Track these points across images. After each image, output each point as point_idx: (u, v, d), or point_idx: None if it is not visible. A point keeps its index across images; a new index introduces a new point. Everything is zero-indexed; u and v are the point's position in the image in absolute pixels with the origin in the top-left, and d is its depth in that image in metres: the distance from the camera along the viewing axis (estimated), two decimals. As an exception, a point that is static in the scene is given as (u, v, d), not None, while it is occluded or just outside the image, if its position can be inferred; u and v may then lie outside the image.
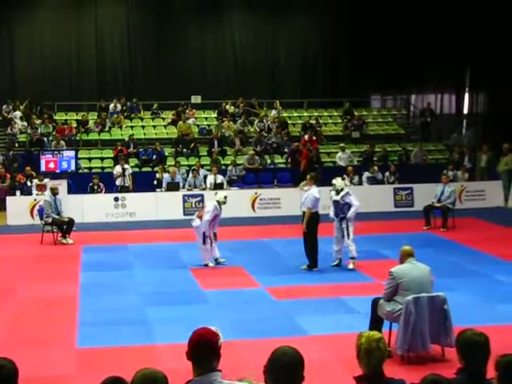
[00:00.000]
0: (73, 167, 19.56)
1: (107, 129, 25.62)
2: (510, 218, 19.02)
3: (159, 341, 9.18)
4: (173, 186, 20.40)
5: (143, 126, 26.44)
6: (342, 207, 13.19)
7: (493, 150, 23.14)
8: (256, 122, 25.80)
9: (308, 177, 13.59)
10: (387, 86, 30.21)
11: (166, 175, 20.96)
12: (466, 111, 31.69)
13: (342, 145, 24.18)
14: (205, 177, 21.05)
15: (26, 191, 20.29)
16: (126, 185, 20.84)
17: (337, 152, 24.08)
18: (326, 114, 28.17)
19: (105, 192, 20.37)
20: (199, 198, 19.42)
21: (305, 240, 13.27)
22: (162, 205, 19.61)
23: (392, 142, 26.06)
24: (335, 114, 28.15)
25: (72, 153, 19.95)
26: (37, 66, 27.80)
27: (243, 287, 12.10)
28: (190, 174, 21.17)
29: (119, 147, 23.23)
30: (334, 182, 13.42)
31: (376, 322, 8.53)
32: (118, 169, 21.20)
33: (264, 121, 25.81)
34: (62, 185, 18.18)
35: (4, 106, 25.95)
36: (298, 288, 11.92)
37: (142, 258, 14.59)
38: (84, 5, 28.49)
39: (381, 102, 31.61)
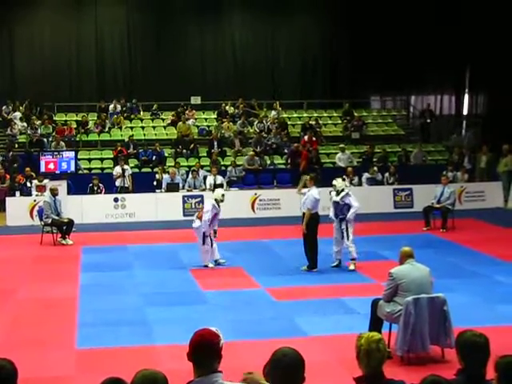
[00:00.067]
0: (72, 168, 19.55)
1: (107, 129, 25.63)
2: (509, 218, 19.02)
3: (159, 341, 9.18)
4: (172, 187, 20.41)
5: (143, 127, 26.45)
6: (341, 208, 13.18)
7: (492, 151, 23.15)
8: (256, 123, 25.80)
9: (306, 177, 13.56)
10: (387, 87, 30.20)
11: (165, 176, 20.97)
12: (465, 112, 31.70)
13: (341, 146, 24.18)
14: (204, 177, 21.05)
15: (26, 192, 20.28)
16: (126, 185, 20.84)
17: (336, 153, 24.08)
18: (325, 114, 28.18)
19: (104, 193, 20.36)
20: (199, 199, 19.40)
21: (305, 241, 13.27)
22: (162, 205, 19.61)
23: (392, 142, 26.06)
24: (335, 114, 28.15)
25: (72, 153, 19.94)
26: (37, 67, 27.80)
27: (243, 288, 12.09)
28: (190, 175, 21.18)
29: (119, 148, 23.23)
30: (334, 182, 13.41)
31: (376, 323, 8.52)
32: (117, 169, 21.20)
33: (264, 121, 25.81)
34: (62, 185, 18.17)
35: (4, 107, 25.94)
36: (298, 289, 11.92)
37: (141, 259, 14.58)
38: (84, 5, 28.48)
39: (380, 103, 31.63)
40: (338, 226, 13.28)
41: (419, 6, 27.71)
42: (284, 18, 29.13)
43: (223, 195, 13.79)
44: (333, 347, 8.79)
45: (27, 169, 21.21)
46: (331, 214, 13.41)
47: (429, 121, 27.48)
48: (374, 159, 23.79)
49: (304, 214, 13.11)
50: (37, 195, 19.06)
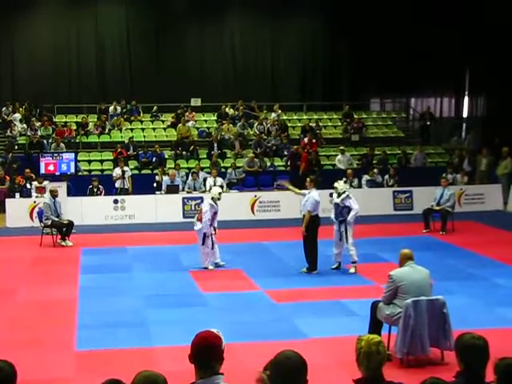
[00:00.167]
0: (72, 169, 19.54)
1: (107, 131, 25.64)
2: (509, 221, 19.02)
3: (158, 343, 9.17)
4: (172, 189, 20.41)
5: (143, 129, 26.46)
6: (341, 210, 13.18)
7: (492, 154, 23.16)
8: (256, 125, 25.81)
9: (308, 179, 13.58)
10: (387, 89, 30.23)
11: (165, 178, 20.97)
12: (465, 115, 31.73)
13: (341, 148, 24.21)
14: (204, 179, 21.06)
15: (26, 193, 20.28)
16: (126, 187, 20.85)
17: (336, 155, 24.09)
18: (325, 116, 28.19)
19: (104, 194, 20.36)
20: (199, 201, 19.37)
21: (305, 243, 13.27)
22: (162, 207, 19.61)
23: (391, 145, 26.07)
24: (335, 116, 28.17)
25: (71, 155, 19.93)
26: (36, 68, 27.80)
27: (243, 290, 12.09)
28: (190, 177, 21.18)
29: (119, 149, 23.24)
30: (336, 185, 13.41)
31: (375, 325, 8.52)
32: (117, 171, 21.21)
33: (264, 123, 25.82)
34: (62, 187, 18.16)
35: (4, 108, 25.93)
36: (298, 291, 11.92)
37: (141, 261, 14.57)
38: (84, 7, 28.46)
39: (380, 105, 31.67)
40: (337, 228, 13.28)
41: (419, 8, 27.74)
42: (284, 20, 29.17)
43: (220, 193, 13.84)
44: (333, 349, 8.78)
45: (27, 170, 21.22)
46: (332, 215, 13.43)
47: (429, 123, 27.49)
48: (374, 161, 23.81)
49: (304, 216, 13.12)
50: (37, 197, 19.05)
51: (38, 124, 25.01)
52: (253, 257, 14.80)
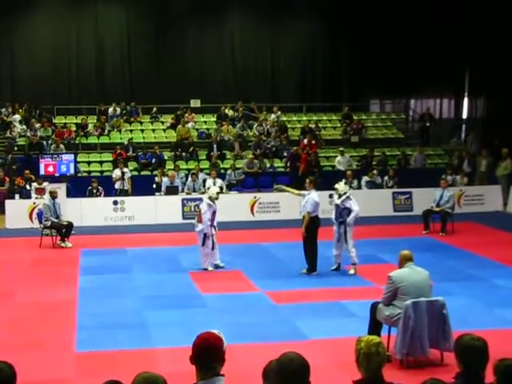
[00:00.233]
0: (72, 171, 19.51)
1: (106, 132, 25.65)
2: (508, 222, 19.02)
3: (158, 345, 9.16)
4: (172, 190, 20.41)
5: (142, 130, 26.46)
6: (341, 211, 13.18)
7: (492, 155, 23.17)
8: (255, 126, 25.82)
9: (308, 181, 13.58)
10: (386, 91, 30.25)
11: (165, 179, 20.96)
12: (465, 116, 31.74)
13: (341, 149, 24.21)
14: (204, 181, 21.07)
15: (25, 195, 20.28)
16: (125, 188, 20.85)
17: (336, 156, 24.09)
18: (325, 118, 28.20)
19: (104, 196, 20.36)
20: (198, 202, 19.36)
21: (304, 244, 13.27)
22: (161, 208, 19.61)
23: (391, 146, 26.09)
24: (334, 118, 28.17)
25: (71, 156, 19.91)
26: (36, 69, 27.81)
27: (242, 291, 12.09)
28: (189, 178, 21.18)
29: (118, 151, 23.23)
30: (336, 186, 13.41)
31: (375, 327, 8.52)
32: (117, 172, 21.20)
33: (263, 125, 25.82)
34: (61, 188, 18.15)
35: (3, 110, 25.94)
36: (298, 292, 11.91)
37: (140, 262, 14.57)
38: (84, 8, 28.47)
39: (380, 107, 31.67)
40: (337, 230, 13.28)
41: (419, 9, 27.77)
42: (284, 21, 29.20)
43: (218, 193, 13.84)
44: (332, 350, 8.78)
45: (26, 171, 21.21)
46: (333, 216, 13.43)
47: (428, 124, 27.51)
48: (374, 162, 23.81)
49: (304, 217, 13.12)
50: (36, 198, 19.05)
51: (38, 125, 25.02)
52: (252, 258, 14.79)
